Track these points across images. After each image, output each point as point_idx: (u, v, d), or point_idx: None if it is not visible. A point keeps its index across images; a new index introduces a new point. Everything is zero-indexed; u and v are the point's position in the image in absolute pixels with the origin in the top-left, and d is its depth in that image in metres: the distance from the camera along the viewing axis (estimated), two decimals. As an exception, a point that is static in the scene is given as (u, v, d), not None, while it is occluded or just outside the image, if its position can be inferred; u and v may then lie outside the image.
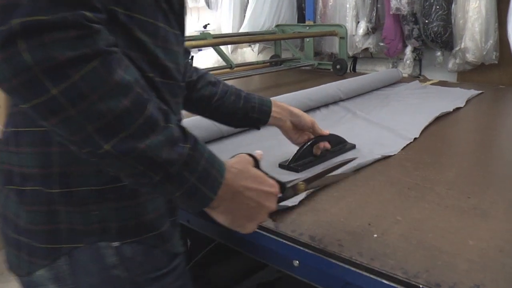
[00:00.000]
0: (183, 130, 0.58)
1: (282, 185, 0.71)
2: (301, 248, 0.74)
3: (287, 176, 0.88)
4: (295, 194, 0.75)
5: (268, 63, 2.87)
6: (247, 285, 1.37)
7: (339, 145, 1.18)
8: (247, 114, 0.98)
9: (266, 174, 0.68)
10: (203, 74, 0.97)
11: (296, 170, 1.04)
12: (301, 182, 0.75)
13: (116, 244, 0.63)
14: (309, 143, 1.06)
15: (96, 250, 0.62)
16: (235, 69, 2.35)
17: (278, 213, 0.83)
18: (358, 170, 1.05)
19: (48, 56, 0.46)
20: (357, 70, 3.15)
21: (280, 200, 0.72)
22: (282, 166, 1.07)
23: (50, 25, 0.46)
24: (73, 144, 0.53)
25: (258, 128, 1.04)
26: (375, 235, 0.75)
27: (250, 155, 0.68)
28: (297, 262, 0.75)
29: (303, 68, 2.80)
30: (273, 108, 1.01)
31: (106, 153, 0.52)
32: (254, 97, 1.00)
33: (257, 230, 0.79)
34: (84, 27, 0.48)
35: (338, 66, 2.58)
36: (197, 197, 0.59)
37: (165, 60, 0.63)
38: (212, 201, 0.60)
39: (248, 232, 0.67)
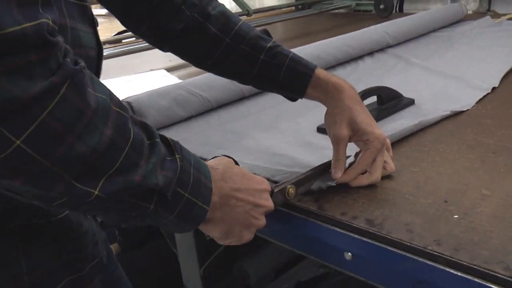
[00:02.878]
0: (165, 138, 0.55)
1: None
2: (356, 236, 0.67)
3: (327, 143, 0.78)
4: (284, 199, 0.71)
5: (294, 7, 2.75)
6: (283, 284, 1.31)
7: (393, 100, 1.10)
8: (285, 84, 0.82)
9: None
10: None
11: None
12: (290, 186, 0.71)
13: None
14: None
15: None
16: (253, 16, 2.26)
17: (321, 192, 0.74)
18: (420, 131, 0.96)
19: (3, 96, 0.38)
20: (404, 11, 3.00)
21: None
22: (321, 130, 0.99)
23: (3, 46, 0.38)
24: (42, 200, 0.46)
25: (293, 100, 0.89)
26: (456, 216, 0.66)
27: (229, 156, 0.67)
28: (350, 254, 0.68)
29: (337, 11, 2.69)
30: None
31: (95, 199, 0.46)
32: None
33: (296, 214, 0.73)
34: (47, 45, 0.40)
35: (381, 6, 2.46)
36: (192, 214, 0.56)
37: None
38: (206, 213, 0.58)
39: (245, 241, 0.65)
